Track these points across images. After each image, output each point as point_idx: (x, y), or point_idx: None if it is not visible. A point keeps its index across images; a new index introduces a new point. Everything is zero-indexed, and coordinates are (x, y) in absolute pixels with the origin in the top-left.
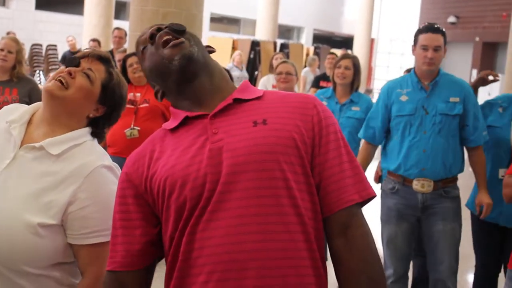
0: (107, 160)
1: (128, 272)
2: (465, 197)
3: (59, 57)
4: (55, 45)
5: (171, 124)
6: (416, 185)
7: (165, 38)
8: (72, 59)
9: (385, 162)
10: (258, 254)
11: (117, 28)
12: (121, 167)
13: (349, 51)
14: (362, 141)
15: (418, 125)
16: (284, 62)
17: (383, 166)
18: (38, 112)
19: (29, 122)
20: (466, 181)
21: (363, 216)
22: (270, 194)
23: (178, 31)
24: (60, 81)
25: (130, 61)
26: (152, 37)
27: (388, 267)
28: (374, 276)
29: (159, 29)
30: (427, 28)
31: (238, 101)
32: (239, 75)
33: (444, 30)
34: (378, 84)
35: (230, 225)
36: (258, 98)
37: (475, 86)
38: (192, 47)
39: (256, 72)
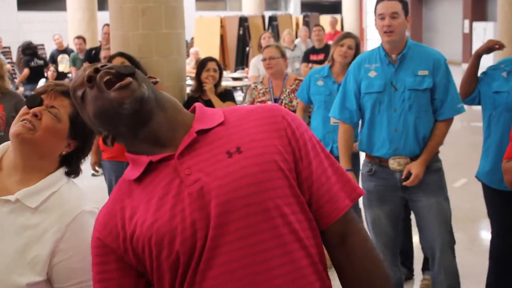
0: (88, 204)
1: None
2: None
3: (47, 56)
4: (43, 45)
5: (132, 173)
6: (392, 164)
7: (106, 78)
8: (33, 98)
9: (359, 144)
10: None
11: (107, 25)
12: (116, 172)
13: (337, 16)
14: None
15: (388, 103)
16: (267, 46)
17: (358, 148)
18: (7, 156)
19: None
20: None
21: (358, 220)
22: (265, 228)
23: (124, 74)
24: (26, 122)
25: (114, 62)
26: (90, 79)
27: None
28: (376, 282)
29: (96, 70)
30: None
31: (202, 132)
32: (290, 55)
33: None
34: (371, 44)
35: (231, 270)
36: (221, 123)
37: (480, 54)
38: (142, 87)
39: (247, 48)
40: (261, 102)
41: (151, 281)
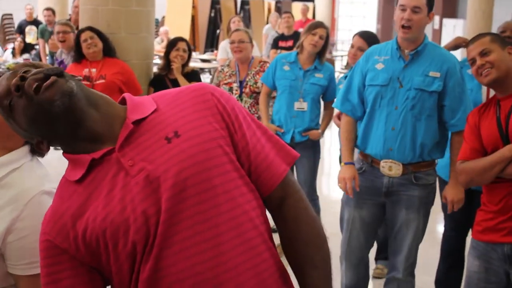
0: (47, 185)
1: None
2: None
3: (15, 26)
4: (11, 14)
5: (74, 173)
6: (384, 167)
7: (35, 85)
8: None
9: (358, 139)
10: (219, 268)
11: None
12: None
13: (309, 4)
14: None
15: (390, 99)
16: (236, 30)
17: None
18: None
19: None
20: None
21: (295, 182)
22: (213, 204)
23: (54, 75)
24: None
25: (84, 36)
26: (18, 89)
27: (342, 254)
28: (311, 241)
29: (23, 78)
30: None
31: (138, 122)
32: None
33: None
34: (341, 35)
35: (187, 247)
36: (155, 111)
37: (447, 49)
38: (69, 82)
39: (218, 31)
40: (226, 84)
41: (107, 276)
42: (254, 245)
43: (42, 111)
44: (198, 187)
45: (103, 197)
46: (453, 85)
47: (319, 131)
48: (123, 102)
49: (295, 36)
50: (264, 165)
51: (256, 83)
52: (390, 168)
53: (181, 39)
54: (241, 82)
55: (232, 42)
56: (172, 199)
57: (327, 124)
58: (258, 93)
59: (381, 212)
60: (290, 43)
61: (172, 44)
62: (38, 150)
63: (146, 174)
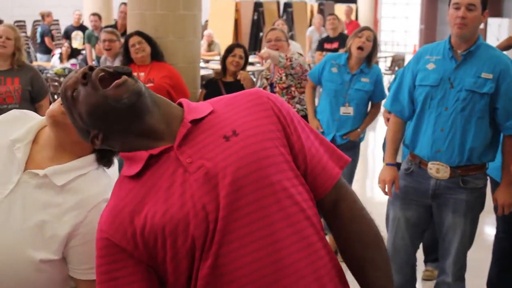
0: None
1: None
2: None
3: (62, 31)
4: (57, 20)
5: (131, 169)
6: (431, 169)
7: (100, 74)
8: None
9: (405, 138)
10: (277, 265)
11: (124, 3)
12: None
13: (352, 6)
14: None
15: (440, 99)
16: (272, 29)
17: (404, 144)
18: (44, 130)
19: (34, 140)
20: None
21: (347, 184)
22: (271, 202)
23: (122, 73)
24: None
25: (132, 41)
26: (84, 76)
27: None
28: (367, 241)
29: (91, 68)
30: None
31: (195, 122)
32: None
33: None
34: (384, 36)
35: (245, 244)
36: (211, 112)
37: (500, 50)
38: (138, 82)
39: (260, 34)
40: (263, 88)
41: (162, 275)
42: (311, 242)
43: (105, 104)
44: (256, 184)
45: (162, 193)
46: (506, 87)
47: (359, 130)
48: (180, 105)
49: (340, 37)
50: (319, 167)
51: (281, 78)
52: (438, 170)
53: (238, 45)
54: (271, 84)
55: (268, 41)
56: (231, 195)
57: (368, 123)
58: (287, 87)
59: (427, 213)
60: (335, 45)
61: (229, 50)
62: (92, 145)
63: (206, 171)
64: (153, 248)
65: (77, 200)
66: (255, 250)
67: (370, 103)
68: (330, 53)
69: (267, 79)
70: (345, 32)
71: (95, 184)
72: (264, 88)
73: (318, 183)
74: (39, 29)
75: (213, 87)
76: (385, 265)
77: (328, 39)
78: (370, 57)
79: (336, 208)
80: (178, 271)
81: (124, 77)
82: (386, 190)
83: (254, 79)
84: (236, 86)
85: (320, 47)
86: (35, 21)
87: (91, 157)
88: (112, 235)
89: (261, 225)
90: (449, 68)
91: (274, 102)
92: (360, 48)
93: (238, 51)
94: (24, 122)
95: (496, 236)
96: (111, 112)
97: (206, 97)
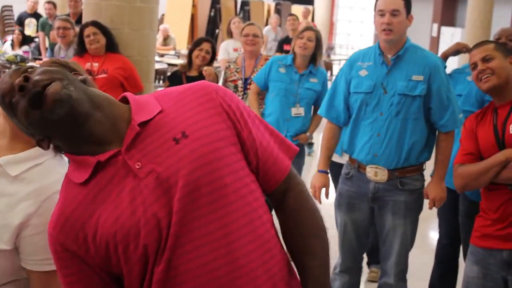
0: None
1: None
2: None
3: (15, 18)
4: (11, 6)
5: (79, 175)
6: (369, 172)
7: (35, 90)
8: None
9: (343, 144)
10: (232, 265)
11: None
12: None
13: (309, 7)
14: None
15: (375, 105)
16: (250, 24)
17: (343, 148)
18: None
19: None
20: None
21: (296, 175)
22: (225, 203)
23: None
24: None
25: (87, 31)
26: (21, 88)
27: (339, 256)
28: (310, 232)
29: (26, 79)
30: None
31: (144, 124)
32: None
33: None
34: (339, 39)
35: (198, 246)
36: (159, 112)
37: (447, 55)
38: (66, 88)
39: (217, 30)
40: (232, 81)
41: (118, 276)
42: (264, 241)
43: (43, 117)
44: (210, 186)
45: (112, 200)
46: (438, 86)
47: (307, 134)
48: (124, 100)
49: None
50: (271, 160)
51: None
52: (376, 174)
53: (207, 39)
54: (245, 79)
55: (246, 35)
56: (184, 199)
57: (315, 127)
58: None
59: (371, 215)
60: None
61: (196, 43)
62: (40, 147)
63: (156, 176)
64: (106, 252)
65: (31, 190)
66: (210, 251)
67: (313, 108)
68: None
69: (237, 72)
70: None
71: (50, 174)
72: (232, 81)
73: (270, 176)
74: None
75: (176, 80)
76: (323, 255)
77: (287, 40)
78: (315, 56)
79: (284, 198)
80: (132, 274)
81: (53, 86)
82: (316, 197)
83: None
84: (198, 80)
85: (280, 48)
86: None
87: None
88: (64, 241)
89: (215, 227)
90: (381, 74)
91: (223, 98)
92: (302, 48)
93: (206, 46)
94: None
95: (439, 241)
96: (50, 123)
97: None
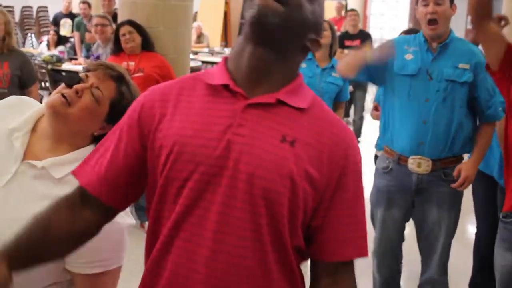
0: None
1: (86, 196)
2: None
3: (50, 18)
4: (46, 7)
5: (213, 78)
6: (412, 164)
7: None
8: (72, 77)
9: (381, 137)
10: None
11: None
12: None
13: (342, 1)
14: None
15: (420, 91)
16: None
17: (379, 142)
18: (43, 120)
19: (33, 130)
20: None
21: (353, 275)
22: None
23: None
24: (64, 96)
25: (122, 30)
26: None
27: (375, 251)
28: None
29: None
30: None
31: (280, 103)
32: None
33: None
34: (373, 32)
35: (201, 233)
36: (302, 109)
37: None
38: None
39: None
40: None
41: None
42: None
43: (259, 13)
44: (261, 197)
45: (203, 123)
46: (484, 76)
47: None
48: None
49: (361, 35)
50: (337, 237)
51: None
52: (419, 165)
53: None
54: None
55: None
56: (229, 179)
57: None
58: None
59: (410, 209)
60: (357, 42)
61: None
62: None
63: (241, 147)
64: (158, 150)
65: None
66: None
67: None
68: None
69: None
70: (361, 28)
71: None
72: None
73: (324, 248)
74: None
75: None
76: None
77: (348, 36)
78: (331, 47)
79: (335, 277)
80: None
81: None
82: None
83: None
84: None
85: (341, 44)
86: (23, 7)
87: (89, 148)
88: (145, 108)
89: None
90: (426, 60)
91: (346, 165)
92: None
93: None
94: (22, 110)
95: (477, 234)
96: (257, 21)
97: None
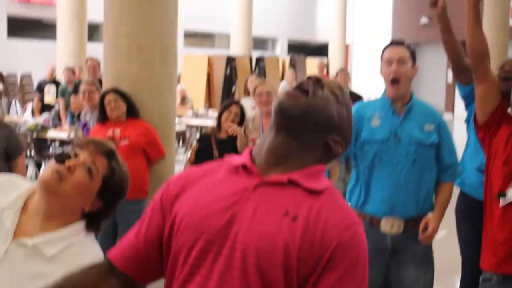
0: None
1: (114, 267)
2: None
3: (35, 85)
4: (30, 74)
5: (236, 160)
6: (385, 225)
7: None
8: (62, 155)
9: (350, 199)
10: None
11: (90, 58)
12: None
13: (324, 60)
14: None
15: (390, 155)
16: (261, 82)
17: (350, 204)
18: (34, 198)
19: (23, 208)
20: None
21: None
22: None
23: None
24: (57, 172)
25: (107, 98)
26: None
27: None
28: None
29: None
30: (390, 43)
31: (292, 184)
32: None
33: (412, 47)
34: (355, 89)
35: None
36: (313, 192)
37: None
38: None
39: (233, 87)
40: (251, 140)
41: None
42: None
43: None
44: (256, 270)
45: (220, 196)
46: (445, 138)
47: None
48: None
49: (352, 96)
50: None
51: None
52: (392, 226)
53: (235, 102)
54: None
55: (259, 95)
56: (223, 248)
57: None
58: None
59: (384, 273)
60: None
61: (226, 106)
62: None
63: (248, 224)
64: (173, 221)
65: (66, 271)
66: None
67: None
68: None
69: (255, 130)
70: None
71: (85, 254)
72: (252, 140)
73: None
74: None
75: (205, 142)
76: None
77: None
78: None
79: None
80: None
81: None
82: None
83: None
84: (227, 144)
85: None
86: (7, 75)
87: (80, 225)
88: (172, 188)
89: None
90: (394, 123)
91: (344, 253)
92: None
93: (235, 108)
94: (11, 189)
95: (464, 272)
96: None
97: (198, 152)
